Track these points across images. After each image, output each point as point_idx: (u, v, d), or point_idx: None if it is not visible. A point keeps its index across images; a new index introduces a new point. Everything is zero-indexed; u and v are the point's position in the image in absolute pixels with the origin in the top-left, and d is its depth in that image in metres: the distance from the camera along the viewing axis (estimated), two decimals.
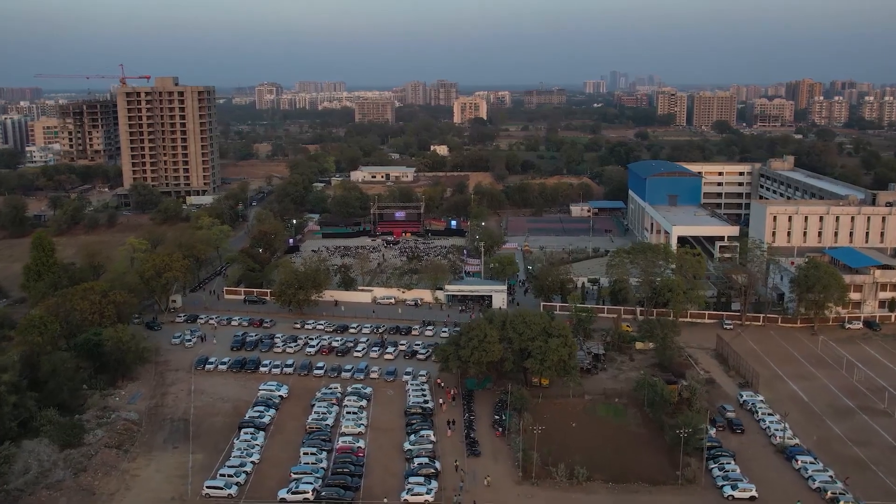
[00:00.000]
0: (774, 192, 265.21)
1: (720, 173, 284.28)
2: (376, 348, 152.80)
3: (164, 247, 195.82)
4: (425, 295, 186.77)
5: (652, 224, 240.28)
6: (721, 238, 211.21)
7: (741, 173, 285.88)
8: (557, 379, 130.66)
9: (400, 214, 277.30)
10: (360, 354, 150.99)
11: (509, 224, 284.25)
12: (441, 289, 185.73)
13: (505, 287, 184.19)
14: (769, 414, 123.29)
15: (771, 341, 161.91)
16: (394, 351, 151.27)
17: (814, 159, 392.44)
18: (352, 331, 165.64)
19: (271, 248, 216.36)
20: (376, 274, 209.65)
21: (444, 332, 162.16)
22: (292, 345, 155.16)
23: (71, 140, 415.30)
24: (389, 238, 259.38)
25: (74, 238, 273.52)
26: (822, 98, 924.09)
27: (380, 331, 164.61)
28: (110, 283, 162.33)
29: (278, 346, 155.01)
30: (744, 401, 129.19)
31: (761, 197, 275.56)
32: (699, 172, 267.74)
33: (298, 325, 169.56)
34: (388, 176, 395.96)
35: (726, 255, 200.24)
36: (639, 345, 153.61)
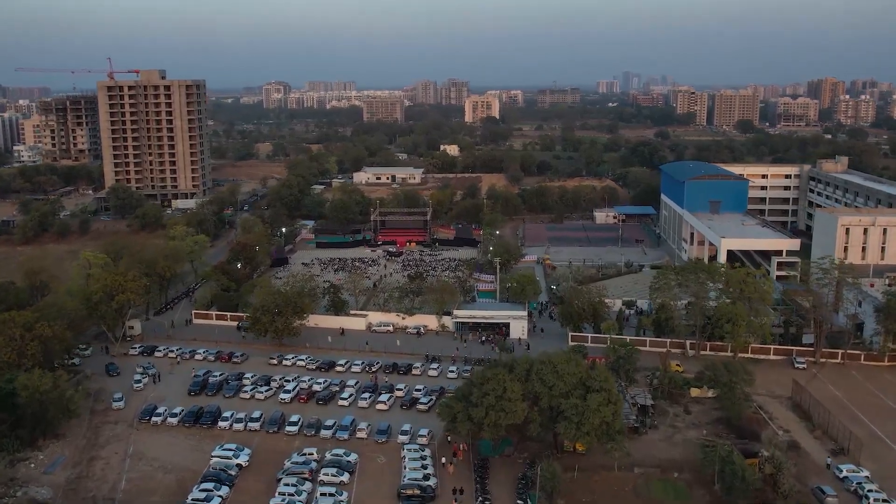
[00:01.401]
0: (828, 197, 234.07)
1: (764, 176, 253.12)
2: (367, 395, 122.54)
3: (122, 262, 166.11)
4: (430, 321, 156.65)
5: (692, 234, 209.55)
6: (778, 253, 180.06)
7: (787, 176, 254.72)
8: (598, 443, 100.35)
9: (404, 220, 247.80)
10: (346, 403, 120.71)
11: (526, 232, 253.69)
12: (449, 314, 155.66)
13: (525, 312, 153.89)
14: (884, 501, 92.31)
15: (855, 385, 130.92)
16: (389, 399, 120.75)
17: (853, 160, 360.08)
18: (339, 369, 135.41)
19: (252, 262, 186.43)
20: (373, 294, 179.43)
21: (453, 371, 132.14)
22: (263, 389, 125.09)
23: (54, 139, 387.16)
24: (392, 249, 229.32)
25: (42, 247, 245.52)
26: (847, 97, 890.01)
27: (373, 369, 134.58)
28: (41, 310, 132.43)
29: (246, 390, 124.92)
30: (844, 477, 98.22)
31: (811, 203, 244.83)
32: (741, 175, 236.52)
33: (275, 361, 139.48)
34: (393, 177, 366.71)
35: (790, 274, 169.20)
36: (694, 391, 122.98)
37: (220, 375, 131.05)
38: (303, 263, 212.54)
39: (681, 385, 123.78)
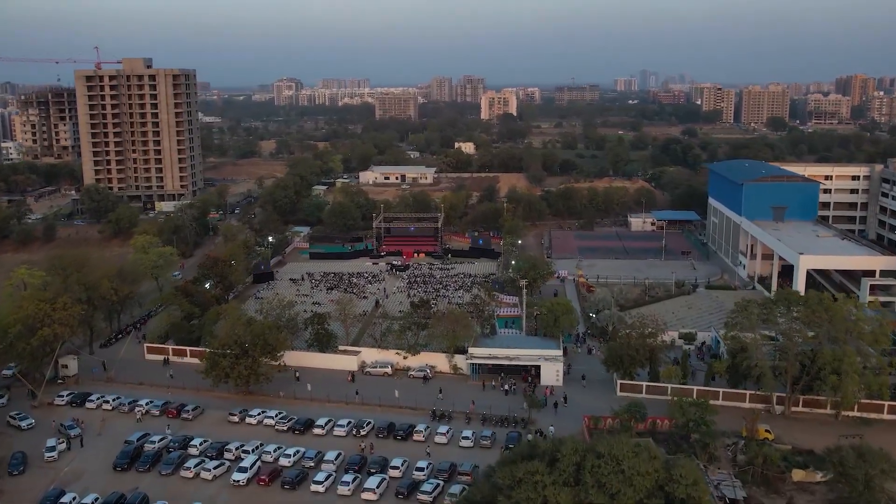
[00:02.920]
0: None
1: (827, 177, 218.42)
2: (351, 476, 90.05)
3: (54, 284, 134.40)
4: (438, 361, 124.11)
5: (751, 247, 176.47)
6: (870, 273, 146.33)
7: (855, 177, 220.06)
8: None
9: (412, 228, 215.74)
10: (321, 488, 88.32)
11: (553, 241, 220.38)
12: (462, 352, 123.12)
13: (560, 352, 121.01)
14: None
15: None
16: (380, 483, 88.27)
17: None
18: (317, 431, 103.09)
19: (225, 281, 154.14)
20: (372, 320, 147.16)
21: (468, 437, 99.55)
22: (212, 464, 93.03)
23: (35, 134, 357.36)
24: (396, 262, 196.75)
25: None
26: (881, 94, 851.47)
27: (362, 433, 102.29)
28: None
29: (189, 466, 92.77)
30: None
31: (883, 209, 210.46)
32: (804, 176, 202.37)
33: (236, 418, 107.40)
34: (403, 177, 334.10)
35: (893, 300, 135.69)
36: (798, 474, 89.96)
37: (160, 441, 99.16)
38: (290, 279, 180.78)
39: (777, 462, 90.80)
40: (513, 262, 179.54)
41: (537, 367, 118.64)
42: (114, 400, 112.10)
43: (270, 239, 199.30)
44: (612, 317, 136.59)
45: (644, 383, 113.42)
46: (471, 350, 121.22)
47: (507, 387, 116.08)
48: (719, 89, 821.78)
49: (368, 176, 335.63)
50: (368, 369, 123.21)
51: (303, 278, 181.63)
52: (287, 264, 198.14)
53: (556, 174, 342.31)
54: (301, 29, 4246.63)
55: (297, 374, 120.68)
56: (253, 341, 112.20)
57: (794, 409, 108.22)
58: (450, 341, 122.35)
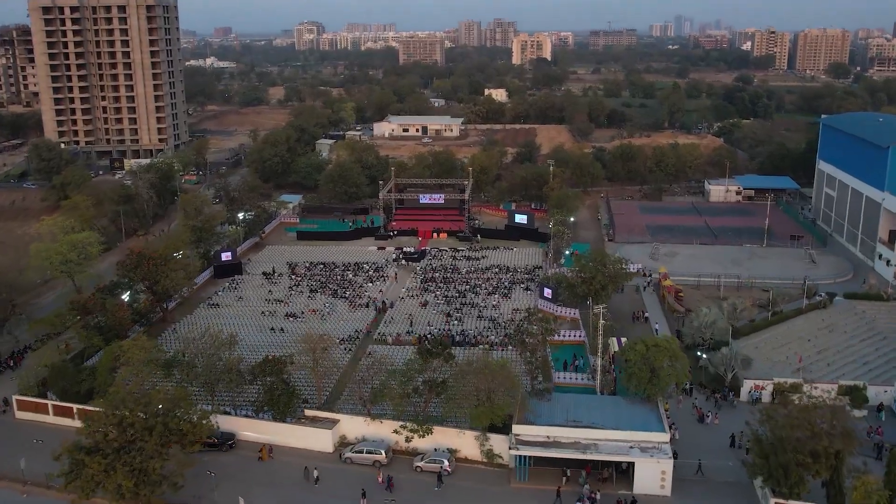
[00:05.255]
0: None
1: None
2: None
3: None
4: (463, 443, 76.57)
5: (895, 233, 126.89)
6: None
7: None
8: None
9: (431, 198, 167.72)
10: None
11: (614, 216, 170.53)
12: (503, 429, 75.43)
13: (666, 435, 72.73)
14: None
15: None
16: None
17: None
18: None
19: (158, 287, 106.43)
20: (364, 351, 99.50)
21: None
22: None
23: (0, 79, 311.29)
24: (409, 249, 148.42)
25: None
26: None
27: None
28: None
29: None
30: None
31: None
32: None
33: None
34: (425, 129, 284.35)
35: None
36: None
37: None
38: (264, 273, 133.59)
39: None
40: (566, 252, 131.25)
41: (630, 464, 70.90)
42: None
43: (241, 216, 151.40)
44: (732, 357, 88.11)
45: None
46: (516, 429, 73.32)
47: (579, 502, 68.27)
48: (773, 33, 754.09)
49: (384, 127, 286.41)
50: (349, 454, 75.89)
51: (273, 271, 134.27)
52: (265, 248, 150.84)
53: (604, 126, 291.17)
54: None
55: (318, 476, 72.84)
56: (147, 425, 65.43)
57: None
58: (483, 415, 74.51)
